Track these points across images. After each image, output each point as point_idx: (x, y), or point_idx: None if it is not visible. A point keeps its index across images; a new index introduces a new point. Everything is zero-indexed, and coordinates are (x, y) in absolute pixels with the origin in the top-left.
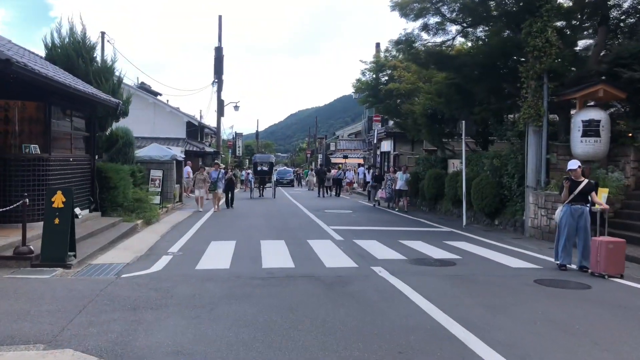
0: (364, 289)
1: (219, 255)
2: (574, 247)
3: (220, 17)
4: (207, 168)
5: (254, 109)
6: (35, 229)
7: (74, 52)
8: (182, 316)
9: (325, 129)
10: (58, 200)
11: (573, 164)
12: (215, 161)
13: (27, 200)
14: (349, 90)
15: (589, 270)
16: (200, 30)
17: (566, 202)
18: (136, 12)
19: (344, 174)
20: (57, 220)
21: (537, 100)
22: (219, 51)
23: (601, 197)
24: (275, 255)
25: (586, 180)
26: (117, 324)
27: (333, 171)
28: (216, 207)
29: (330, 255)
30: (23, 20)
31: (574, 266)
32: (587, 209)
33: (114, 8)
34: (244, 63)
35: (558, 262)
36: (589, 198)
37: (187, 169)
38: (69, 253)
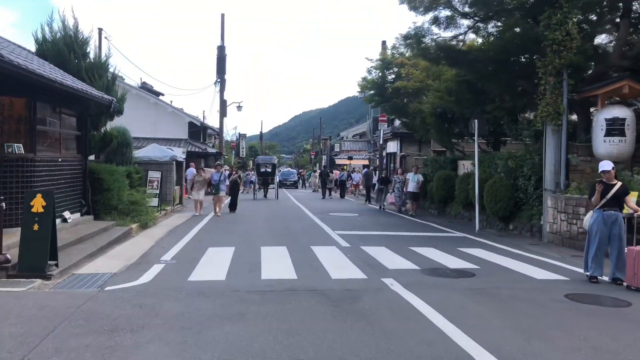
0: (375, 306)
1: (215, 264)
2: (605, 256)
3: (222, 15)
4: (207, 169)
5: (257, 110)
6: (18, 235)
7: (65, 47)
8: (166, 341)
9: (330, 130)
10: (37, 204)
11: (606, 165)
12: (217, 162)
13: (3, 204)
14: (353, 91)
15: (624, 283)
16: (203, 28)
17: (597, 207)
18: (138, 11)
19: (350, 175)
20: (36, 227)
21: (556, 97)
22: (221, 50)
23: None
24: (276, 264)
25: (620, 183)
26: (88, 352)
27: (335, 172)
28: (216, 210)
29: (336, 264)
30: (28, 22)
31: (605, 278)
32: (621, 215)
33: (115, 7)
34: (247, 63)
35: (588, 273)
36: (623, 203)
37: (192, 170)
38: (50, 262)
